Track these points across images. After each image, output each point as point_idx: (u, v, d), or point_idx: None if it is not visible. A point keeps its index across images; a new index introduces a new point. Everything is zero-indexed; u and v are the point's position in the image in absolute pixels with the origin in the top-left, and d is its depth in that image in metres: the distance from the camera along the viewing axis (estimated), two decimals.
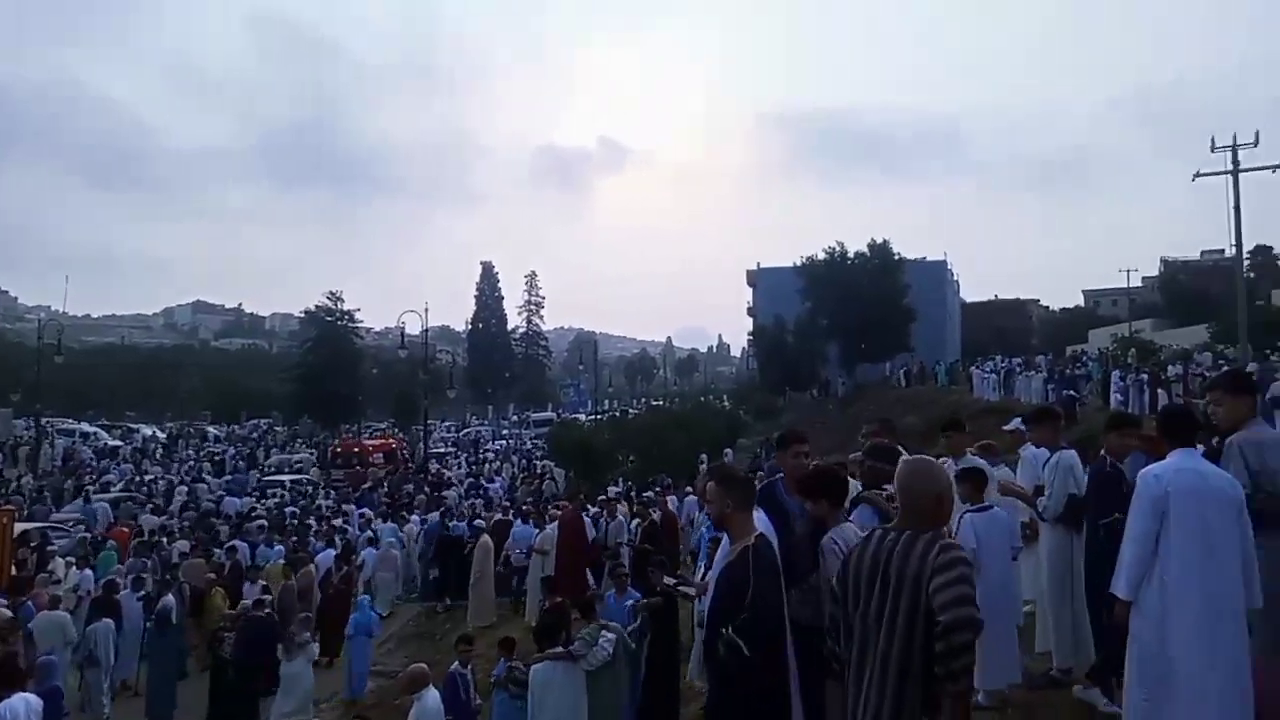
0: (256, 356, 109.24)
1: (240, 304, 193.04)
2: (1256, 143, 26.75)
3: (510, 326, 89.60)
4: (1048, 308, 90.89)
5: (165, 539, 18.66)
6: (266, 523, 20.67)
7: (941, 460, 5.50)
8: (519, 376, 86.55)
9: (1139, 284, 65.22)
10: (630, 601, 8.44)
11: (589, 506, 16.03)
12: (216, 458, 41.60)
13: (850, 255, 52.03)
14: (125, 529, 20.70)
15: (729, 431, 39.06)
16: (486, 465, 39.13)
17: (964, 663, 2.94)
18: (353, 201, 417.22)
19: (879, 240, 51.88)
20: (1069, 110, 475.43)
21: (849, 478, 5.04)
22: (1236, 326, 28.56)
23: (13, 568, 14.32)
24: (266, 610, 12.46)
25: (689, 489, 20.31)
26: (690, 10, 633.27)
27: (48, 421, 45.25)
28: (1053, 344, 56.94)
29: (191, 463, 40.12)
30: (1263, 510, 4.08)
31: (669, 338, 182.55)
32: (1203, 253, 70.35)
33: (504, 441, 52.63)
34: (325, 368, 54.90)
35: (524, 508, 19.44)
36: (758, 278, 73.26)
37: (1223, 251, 49.31)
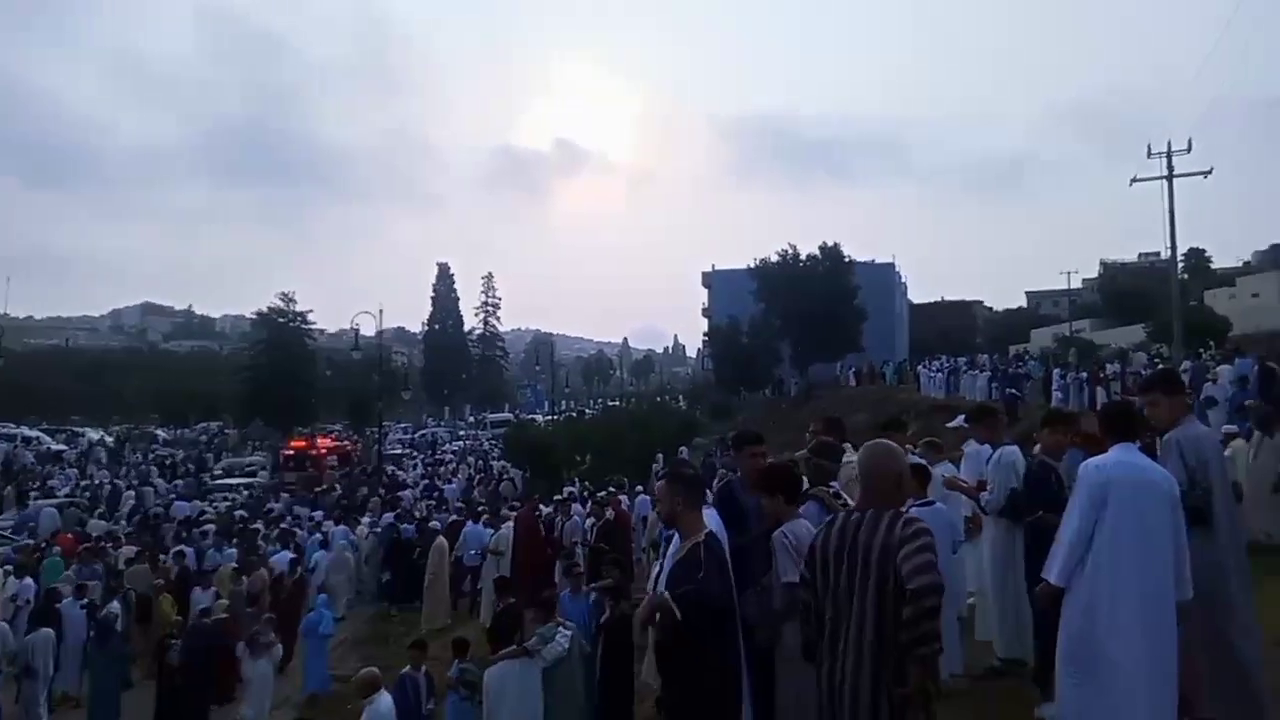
0: (207, 358, 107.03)
1: (190, 305, 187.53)
2: (1189, 149, 27.68)
3: (467, 328, 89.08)
4: (992, 309, 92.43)
5: (111, 545, 18.25)
6: (216, 527, 20.32)
7: None
8: (475, 378, 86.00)
9: (1079, 285, 66.62)
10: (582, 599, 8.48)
11: (541, 507, 16.03)
12: (166, 461, 40.75)
13: (802, 257, 52.54)
14: (71, 535, 20.21)
15: (684, 431, 39.28)
16: (443, 467, 38.86)
17: (932, 626, 3.09)
18: (306, 201, 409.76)
19: (830, 243, 52.52)
20: (1009, 117, 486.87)
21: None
22: (1171, 326, 29.43)
23: None
24: (215, 616, 12.25)
25: (639, 488, 20.43)
26: (644, 14, 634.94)
27: None
28: (997, 344, 57.94)
29: (140, 467, 39.25)
30: (1196, 507, 4.25)
31: (625, 339, 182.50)
32: (1140, 255, 72.45)
33: (461, 443, 52.32)
34: (277, 370, 53.88)
35: (479, 509, 19.34)
36: (712, 279, 73.61)
37: (1159, 254, 50.93)
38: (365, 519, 20.51)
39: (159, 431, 57.57)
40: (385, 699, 7.80)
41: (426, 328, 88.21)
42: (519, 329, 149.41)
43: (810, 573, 3.47)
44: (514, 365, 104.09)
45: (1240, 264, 67.65)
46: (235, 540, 18.56)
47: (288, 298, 56.58)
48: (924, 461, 6.77)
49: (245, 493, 31.26)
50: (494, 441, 48.21)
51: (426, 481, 32.60)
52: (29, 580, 14.62)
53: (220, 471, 39.53)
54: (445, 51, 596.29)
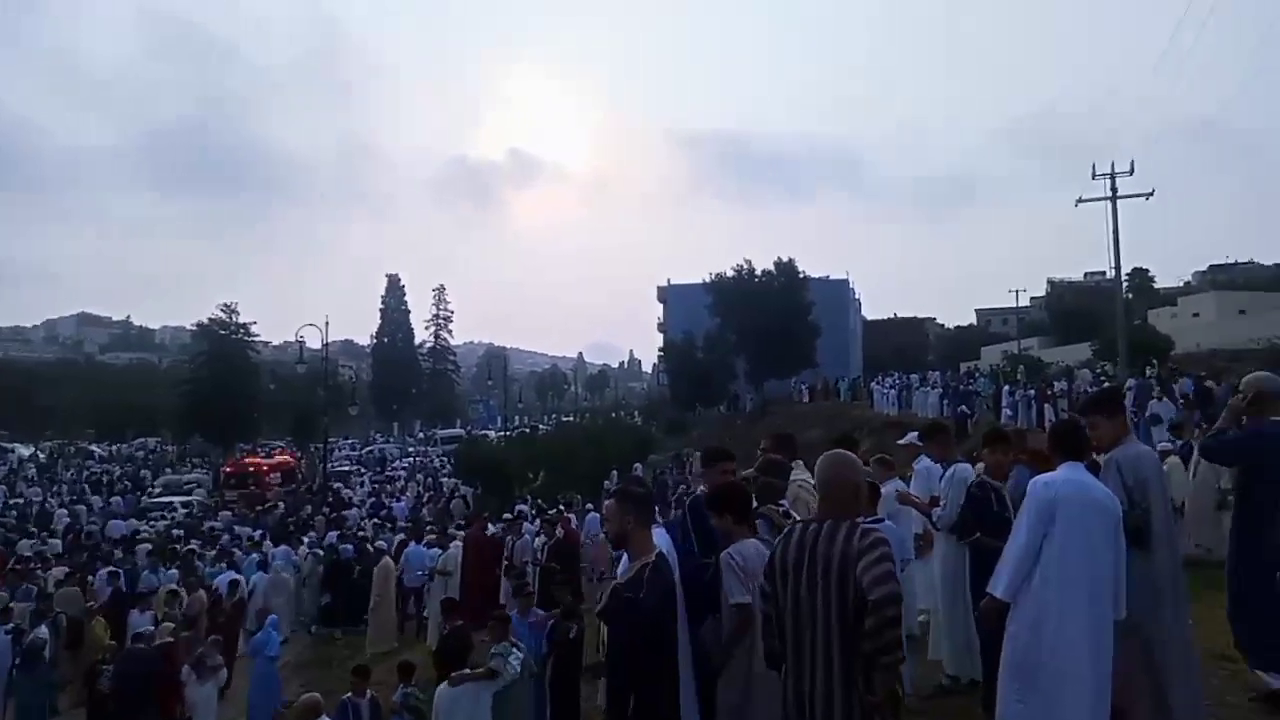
0: (145, 371, 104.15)
1: (128, 316, 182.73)
2: (1132, 171, 28.65)
3: (417, 341, 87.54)
4: (943, 325, 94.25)
5: (40, 566, 17.54)
6: (152, 546, 19.65)
7: None
8: (426, 392, 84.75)
9: (1027, 303, 68.36)
10: (533, 620, 8.33)
11: (490, 526, 15.78)
12: (101, 479, 39.44)
13: (758, 273, 52.96)
14: None
15: (639, 448, 39.23)
16: (392, 484, 38.20)
17: (895, 634, 3.14)
18: (252, 210, 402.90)
19: (785, 259, 53.04)
20: (959, 136, 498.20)
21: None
22: (1116, 344, 30.24)
23: None
24: (161, 640, 11.78)
25: (589, 506, 20.25)
26: (600, 26, 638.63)
27: None
28: (949, 360, 59.01)
29: (73, 484, 37.94)
30: (1136, 527, 4.32)
31: (580, 353, 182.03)
32: (1086, 274, 74.36)
33: (410, 459, 51.53)
34: (218, 383, 52.57)
35: (426, 528, 18.97)
36: (668, 294, 73.78)
37: (1104, 273, 52.25)
38: (307, 539, 20.00)
39: (94, 447, 55.75)
40: None
41: (375, 341, 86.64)
42: (471, 343, 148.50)
43: (770, 584, 3.49)
44: (466, 380, 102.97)
45: (1181, 284, 69.92)
46: (175, 561, 17.93)
47: (230, 308, 55.45)
48: (874, 479, 6.77)
49: (184, 511, 30.38)
50: (445, 458, 47.55)
51: (374, 499, 32.00)
52: None
53: (158, 489, 38.35)
54: (398, 59, 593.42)
